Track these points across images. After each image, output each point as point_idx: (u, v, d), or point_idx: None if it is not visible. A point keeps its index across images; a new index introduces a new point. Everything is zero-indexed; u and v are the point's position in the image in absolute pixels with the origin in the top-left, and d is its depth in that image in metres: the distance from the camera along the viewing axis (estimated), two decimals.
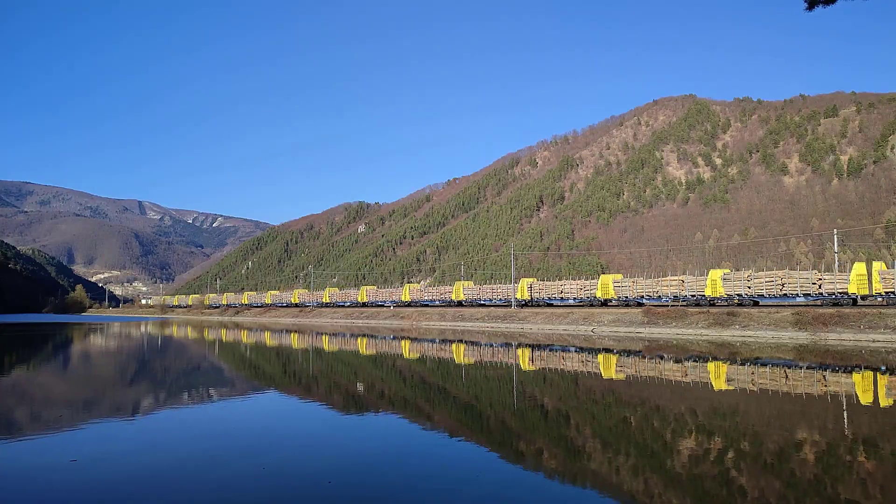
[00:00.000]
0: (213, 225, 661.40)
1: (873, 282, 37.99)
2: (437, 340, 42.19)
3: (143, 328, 73.32)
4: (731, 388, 19.00)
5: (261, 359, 34.24)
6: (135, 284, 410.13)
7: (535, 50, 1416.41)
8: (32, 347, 43.48)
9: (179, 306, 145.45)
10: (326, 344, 42.79)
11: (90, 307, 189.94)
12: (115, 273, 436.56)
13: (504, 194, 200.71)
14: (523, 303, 62.90)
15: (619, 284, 54.50)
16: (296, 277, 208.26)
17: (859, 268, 39.41)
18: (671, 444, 11.97)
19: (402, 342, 41.99)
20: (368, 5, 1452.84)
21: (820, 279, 41.22)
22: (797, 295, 41.77)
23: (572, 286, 59.63)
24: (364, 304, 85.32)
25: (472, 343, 39.52)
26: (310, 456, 11.36)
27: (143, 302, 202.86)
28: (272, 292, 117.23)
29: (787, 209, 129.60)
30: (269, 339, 48.77)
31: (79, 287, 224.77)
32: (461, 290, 71.28)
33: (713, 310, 42.73)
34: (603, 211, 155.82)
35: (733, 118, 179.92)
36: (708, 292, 46.34)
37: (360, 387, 21.68)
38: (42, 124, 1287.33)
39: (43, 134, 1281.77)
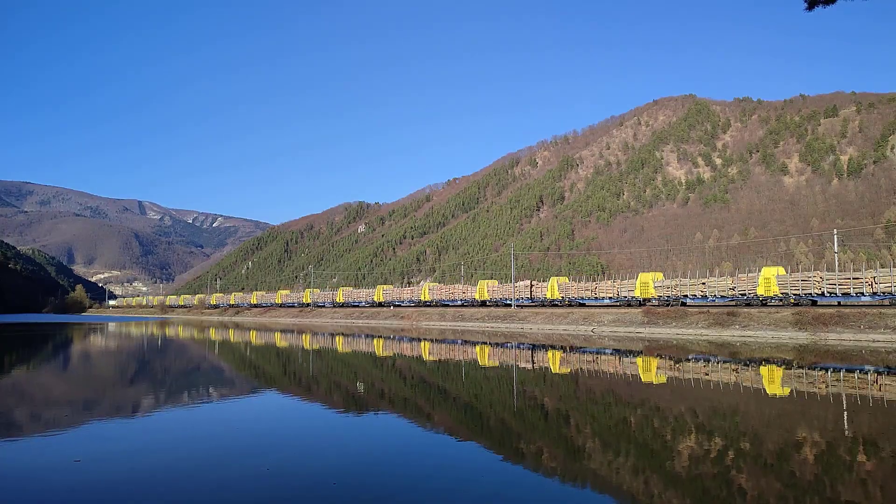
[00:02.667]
0: (213, 225, 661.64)
1: (771, 285, 41.62)
2: (438, 341, 42.22)
3: (122, 328, 73.32)
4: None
5: (260, 358, 34.26)
6: (135, 284, 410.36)
7: (535, 50, 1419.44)
8: (32, 347, 43.48)
9: (174, 306, 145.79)
10: (328, 345, 42.79)
11: (90, 307, 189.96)
12: (115, 273, 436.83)
13: (504, 194, 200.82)
14: (481, 303, 66.16)
15: (564, 287, 58.61)
16: (296, 277, 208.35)
17: (767, 272, 43.14)
18: (670, 443, 11.97)
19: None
20: (368, 5, 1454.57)
21: (733, 285, 45.27)
22: (716, 297, 46.07)
23: (524, 287, 63.61)
24: (343, 305, 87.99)
25: (474, 344, 39.54)
26: (310, 456, 11.36)
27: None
28: (257, 293, 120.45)
29: (787, 209, 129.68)
30: (268, 339, 48.77)
31: (79, 287, 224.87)
32: (427, 290, 74.57)
33: (713, 310, 43.02)
34: (603, 211, 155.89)
35: (733, 118, 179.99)
36: (638, 294, 50.57)
37: (359, 386, 21.69)
38: (42, 124, 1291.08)
39: (43, 134, 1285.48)
